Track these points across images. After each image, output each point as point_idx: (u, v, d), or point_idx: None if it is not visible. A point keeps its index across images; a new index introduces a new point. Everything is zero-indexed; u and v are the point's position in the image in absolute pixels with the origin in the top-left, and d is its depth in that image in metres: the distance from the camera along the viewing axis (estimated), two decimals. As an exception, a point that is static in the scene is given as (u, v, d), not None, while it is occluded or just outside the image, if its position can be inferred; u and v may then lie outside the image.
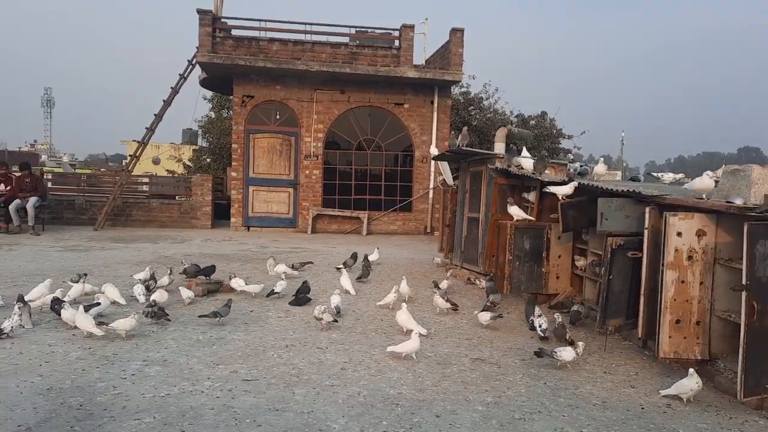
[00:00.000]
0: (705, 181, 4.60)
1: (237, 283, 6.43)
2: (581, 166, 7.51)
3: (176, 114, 15.03)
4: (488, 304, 5.90)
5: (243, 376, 3.99)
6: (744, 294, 3.79)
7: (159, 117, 13.72)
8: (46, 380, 3.76)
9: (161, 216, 14.17)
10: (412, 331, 4.98)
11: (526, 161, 7.10)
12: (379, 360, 4.46)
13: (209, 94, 20.47)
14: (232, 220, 14.05)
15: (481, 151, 8.85)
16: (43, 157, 46.84)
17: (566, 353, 4.41)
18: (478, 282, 7.33)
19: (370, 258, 8.20)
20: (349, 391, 3.80)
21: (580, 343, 4.60)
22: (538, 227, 6.75)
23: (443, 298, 6.07)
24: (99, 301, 5.29)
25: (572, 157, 17.26)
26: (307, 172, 14.21)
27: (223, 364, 4.21)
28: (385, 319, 5.69)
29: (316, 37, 14.16)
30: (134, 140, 17.67)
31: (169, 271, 6.60)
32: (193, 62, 13.56)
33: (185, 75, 13.68)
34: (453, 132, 14.51)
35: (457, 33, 13.97)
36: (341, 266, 7.81)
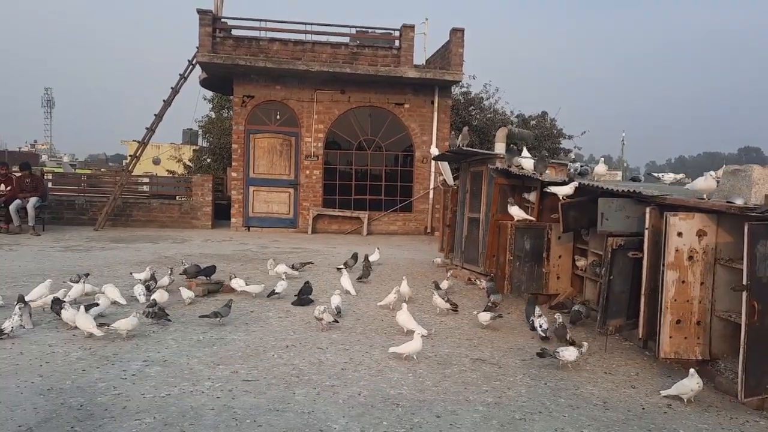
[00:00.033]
0: (707, 182, 4.60)
1: (237, 284, 6.43)
2: (582, 166, 7.51)
3: (176, 114, 15.06)
4: (490, 304, 5.90)
5: (243, 377, 3.99)
6: (744, 294, 3.79)
7: (159, 117, 13.72)
8: (46, 380, 3.76)
9: (161, 216, 14.17)
10: (412, 331, 4.99)
11: (526, 161, 7.10)
12: (380, 360, 4.46)
13: (209, 94, 20.48)
14: (233, 220, 14.05)
15: (481, 151, 8.84)
16: (44, 158, 46.85)
17: (568, 353, 4.41)
18: (478, 282, 7.33)
19: (371, 258, 8.19)
20: (350, 392, 3.80)
21: (585, 344, 4.60)
22: (538, 227, 6.74)
23: (443, 299, 6.07)
24: (97, 301, 5.29)
25: (573, 156, 17.26)
26: (308, 172, 14.21)
27: (224, 365, 4.21)
28: (386, 320, 5.69)
29: (316, 37, 14.16)
30: (134, 140, 17.67)
31: (169, 272, 6.60)
32: (194, 62, 13.56)
33: (185, 75, 13.68)
34: (453, 132, 14.51)
35: (457, 33, 13.97)
36: (342, 266, 7.81)
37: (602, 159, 7.70)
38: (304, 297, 6.20)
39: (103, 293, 5.65)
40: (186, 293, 5.94)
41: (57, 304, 5.05)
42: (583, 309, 5.71)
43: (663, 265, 4.41)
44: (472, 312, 5.88)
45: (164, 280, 6.41)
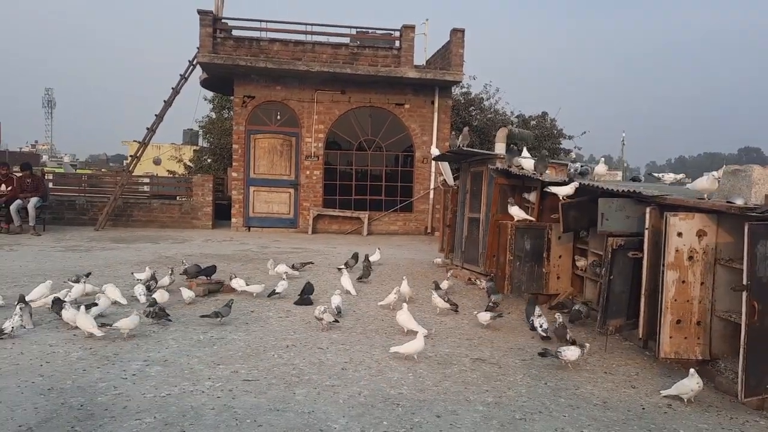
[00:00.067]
0: (708, 182, 4.59)
1: (238, 284, 6.44)
2: (582, 166, 7.51)
3: (177, 114, 15.09)
4: (491, 304, 5.90)
5: (244, 377, 3.99)
6: (745, 294, 3.79)
7: (160, 117, 13.73)
8: (47, 380, 3.76)
9: (162, 216, 14.18)
10: (412, 331, 5.00)
11: (526, 161, 7.10)
12: (380, 360, 4.47)
13: (210, 94, 20.49)
14: (233, 220, 14.05)
15: (481, 151, 8.85)
16: (44, 158, 46.89)
17: (570, 353, 4.41)
18: (478, 282, 7.33)
19: (371, 258, 8.20)
20: (350, 392, 3.80)
21: (586, 344, 4.61)
22: (538, 227, 6.75)
23: (443, 299, 6.08)
24: (96, 301, 5.29)
25: (574, 156, 17.24)
26: (308, 172, 14.21)
27: (224, 364, 4.21)
28: (386, 320, 5.70)
29: (316, 38, 14.17)
30: (135, 141, 17.70)
31: (170, 272, 6.61)
32: (194, 63, 13.57)
33: (186, 75, 13.69)
34: (453, 132, 14.48)
35: (457, 33, 13.98)
36: (343, 267, 7.81)
37: (602, 159, 7.71)
38: (305, 297, 6.20)
39: (104, 293, 5.66)
40: (186, 293, 5.95)
41: (57, 304, 5.05)
42: (584, 309, 5.71)
43: (663, 265, 4.41)
44: (473, 312, 5.88)
45: (165, 280, 6.42)
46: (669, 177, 6.87)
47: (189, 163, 22.16)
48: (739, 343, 3.84)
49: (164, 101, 13.66)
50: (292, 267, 7.70)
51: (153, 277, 6.35)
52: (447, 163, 9.48)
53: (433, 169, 14.28)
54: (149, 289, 6.03)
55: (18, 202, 11.56)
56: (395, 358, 4.49)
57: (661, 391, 4.05)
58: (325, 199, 14.35)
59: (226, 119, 20.73)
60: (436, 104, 14.43)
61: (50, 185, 14.03)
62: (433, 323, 5.60)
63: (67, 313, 4.83)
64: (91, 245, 10.28)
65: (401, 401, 3.69)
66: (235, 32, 14.09)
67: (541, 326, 5.26)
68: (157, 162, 27.23)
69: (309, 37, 14.13)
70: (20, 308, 4.78)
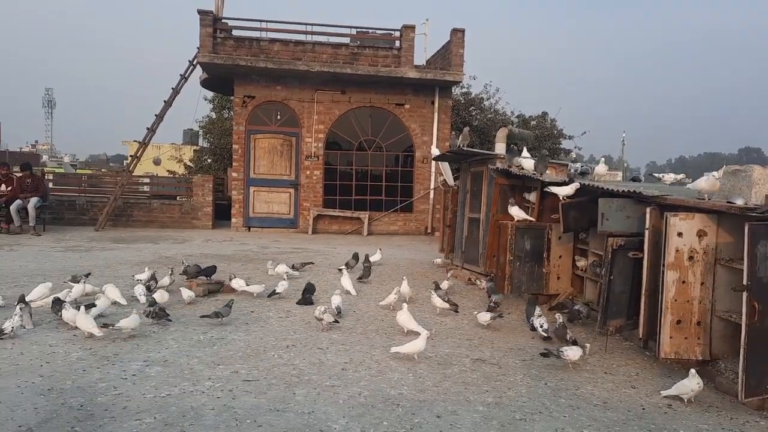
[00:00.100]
0: (709, 182, 4.59)
1: (238, 284, 6.44)
2: (582, 166, 7.51)
3: (177, 114, 15.08)
4: (492, 304, 5.90)
5: (244, 377, 3.99)
6: (745, 294, 3.79)
7: (160, 117, 13.73)
8: (46, 381, 3.76)
9: (162, 216, 14.18)
10: (412, 331, 5.00)
11: (526, 161, 7.10)
12: (380, 360, 4.46)
13: (210, 94, 20.50)
14: (233, 220, 14.05)
15: (481, 151, 8.84)
16: (44, 158, 46.90)
17: (572, 352, 4.42)
18: (478, 282, 7.33)
19: (372, 258, 8.20)
20: (350, 392, 3.80)
21: (587, 345, 4.60)
22: (538, 228, 6.74)
23: (443, 299, 6.08)
24: (94, 302, 5.28)
25: (574, 156, 17.23)
26: (308, 172, 14.21)
27: (224, 365, 4.21)
28: (386, 320, 5.69)
29: (317, 38, 14.18)
30: (135, 141, 17.70)
31: (170, 272, 6.60)
32: (194, 63, 13.57)
33: (186, 75, 13.69)
34: (454, 132, 14.48)
35: (457, 33, 13.98)
36: (343, 267, 7.80)
37: (602, 159, 7.71)
38: (308, 296, 6.21)
39: (104, 293, 5.66)
40: (186, 293, 5.95)
41: (57, 305, 5.05)
42: (584, 309, 5.70)
43: (663, 265, 4.41)
44: (473, 312, 5.88)
45: (165, 281, 6.42)
46: (669, 177, 6.87)
47: (189, 163, 22.16)
48: (739, 344, 3.84)
49: (164, 101, 13.67)
50: (292, 267, 7.70)
51: (153, 278, 6.35)
52: (447, 163, 9.48)
53: (433, 169, 14.28)
54: (149, 290, 6.02)
55: (18, 202, 11.56)
56: (395, 359, 4.49)
57: (661, 392, 4.05)
58: (325, 200, 14.36)
59: (226, 119, 20.73)
60: (437, 104, 14.43)
61: (50, 185, 14.03)
62: (433, 323, 5.60)
63: (67, 314, 4.83)
64: (91, 245, 10.28)
65: (401, 401, 3.68)
66: (235, 32, 14.09)
67: (541, 326, 5.26)
68: (157, 162, 27.25)
69: (309, 37, 14.13)
70: (20, 308, 4.78)
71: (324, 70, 13.43)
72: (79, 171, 32.71)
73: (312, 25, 14.34)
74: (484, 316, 5.54)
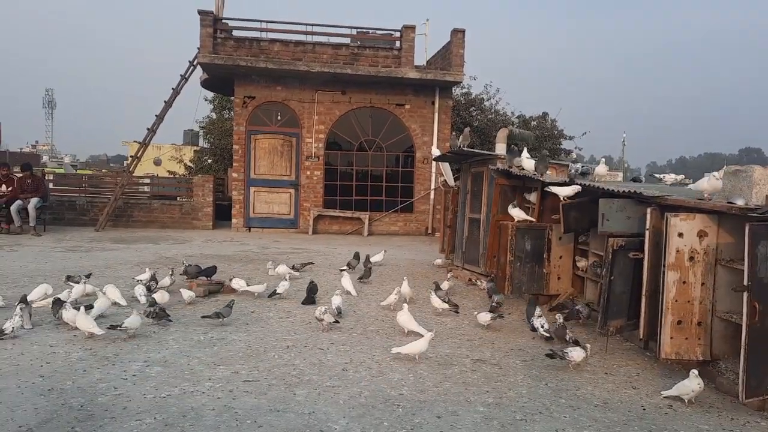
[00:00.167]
0: (712, 182, 4.58)
1: (238, 284, 6.44)
2: (583, 166, 7.50)
3: (177, 115, 15.10)
4: (494, 304, 5.90)
5: (244, 377, 3.99)
6: (745, 295, 3.78)
7: (160, 118, 13.74)
8: (47, 381, 3.76)
9: (162, 217, 14.18)
10: (413, 332, 5.00)
11: (527, 162, 7.10)
12: (381, 361, 4.46)
13: (210, 95, 20.51)
14: (234, 221, 14.05)
15: (482, 151, 8.85)
16: (45, 158, 46.91)
17: (576, 354, 4.42)
18: (479, 283, 7.33)
19: (373, 259, 8.20)
20: (350, 392, 3.80)
21: (588, 345, 4.60)
22: (539, 228, 6.74)
23: (443, 299, 6.07)
24: (92, 303, 5.28)
25: (575, 157, 17.23)
26: (309, 173, 14.22)
27: (224, 365, 4.21)
28: (386, 320, 5.69)
29: (317, 38, 14.18)
30: (135, 141, 17.71)
31: (170, 272, 6.60)
32: (194, 63, 13.58)
33: (186, 76, 13.70)
34: (454, 133, 14.50)
35: (458, 34, 13.98)
36: (345, 268, 7.79)
37: (603, 159, 7.69)
38: (311, 296, 6.22)
39: (104, 294, 5.65)
40: (186, 294, 5.95)
41: (57, 305, 5.05)
42: (585, 309, 5.70)
43: (664, 265, 4.41)
44: (473, 312, 5.88)
45: (165, 281, 6.42)
46: (670, 177, 6.87)
47: (189, 164, 22.17)
48: (740, 344, 3.84)
49: (165, 102, 13.67)
50: (293, 268, 7.70)
51: (153, 278, 6.35)
52: (447, 163, 9.48)
53: (433, 170, 14.28)
54: (149, 290, 6.02)
55: (18, 202, 11.56)
56: (396, 359, 4.48)
57: (661, 392, 4.04)
58: (325, 200, 14.36)
59: (226, 120, 20.73)
60: (437, 105, 14.43)
61: (50, 186, 14.03)
62: (434, 324, 5.60)
63: (68, 314, 4.82)
64: (92, 246, 10.28)
65: (402, 402, 3.68)
66: (235, 32, 14.10)
67: (542, 326, 5.26)
68: (157, 162, 27.26)
69: (309, 38, 14.14)
70: (20, 308, 4.78)
71: (324, 70, 13.43)
72: (79, 171, 32.72)
73: (312, 25, 14.36)
74: (485, 317, 5.54)
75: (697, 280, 4.41)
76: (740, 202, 4.27)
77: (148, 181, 18.22)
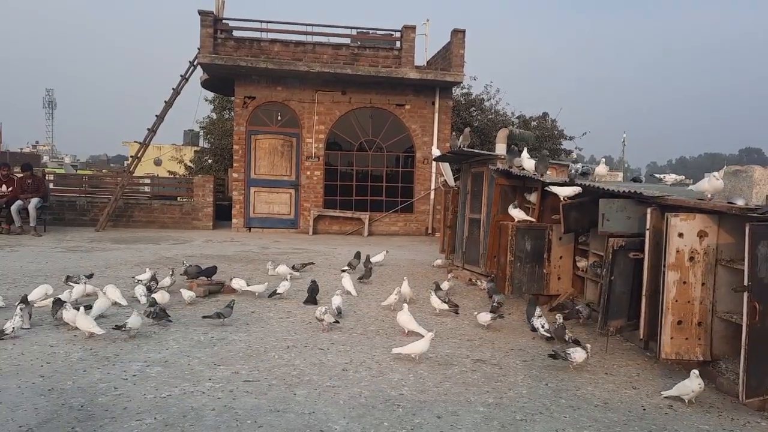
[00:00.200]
0: (713, 183, 4.57)
1: (238, 284, 6.44)
2: (583, 166, 7.50)
3: (178, 115, 15.13)
4: (495, 304, 5.90)
5: (244, 377, 3.99)
6: (746, 295, 3.78)
7: (160, 118, 13.74)
8: (47, 381, 3.76)
9: (163, 217, 14.18)
10: (413, 332, 5.00)
11: (527, 162, 7.10)
12: (381, 361, 4.46)
13: (211, 95, 20.50)
14: (234, 221, 14.06)
15: (482, 152, 8.85)
16: (45, 158, 46.90)
17: (578, 354, 4.42)
18: (479, 283, 7.33)
19: (374, 259, 8.20)
20: (351, 392, 3.80)
21: (588, 345, 4.60)
22: (539, 228, 6.74)
23: (443, 300, 6.07)
24: (91, 303, 5.28)
25: (575, 157, 17.22)
26: (309, 173, 14.22)
27: (225, 365, 4.21)
28: (387, 320, 5.69)
29: (317, 38, 14.19)
30: (136, 141, 17.71)
31: (171, 272, 6.60)
32: (195, 63, 13.58)
33: (186, 76, 13.70)
34: (454, 133, 14.51)
35: (458, 34, 13.98)
36: (346, 268, 7.79)
37: (603, 160, 7.68)
38: (313, 296, 6.23)
39: (104, 294, 5.65)
40: (187, 294, 5.95)
41: (57, 305, 5.05)
42: (586, 309, 5.70)
43: (664, 266, 4.41)
44: (473, 312, 5.88)
45: (166, 281, 6.42)
46: (670, 178, 6.86)
47: (190, 164, 22.18)
48: (740, 344, 3.83)
49: (165, 102, 13.67)
50: (293, 268, 7.70)
51: (154, 278, 6.35)
52: (448, 163, 9.48)
53: (433, 170, 14.28)
54: (150, 290, 6.02)
55: (19, 202, 11.56)
56: (396, 359, 4.48)
57: (662, 392, 4.04)
58: (325, 200, 14.36)
59: (226, 120, 20.74)
60: (437, 105, 14.43)
61: (51, 186, 14.03)
62: (434, 324, 5.59)
63: (68, 314, 4.82)
64: (92, 246, 10.29)
65: (402, 402, 3.68)
66: (235, 33, 14.10)
67: (542, 326, 5.26)
68: (157, 163, 27.24)
69: (310, 38, 14.14)
70: (20, 309, 4.79)
71: (324, 70, 13.43)
72: (79, 171, 32.72)
73: (312, 25, 14.37)
74: (485, 317, 5.54)
75: (698, 280, 4.41)
76: (740, 202, 4.27)
77: (148, 181, 18.22)
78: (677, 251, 4.38)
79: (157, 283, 6.32)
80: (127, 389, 3.68)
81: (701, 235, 4.40)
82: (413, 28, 14.11)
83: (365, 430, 3.27)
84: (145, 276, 6.36)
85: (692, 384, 3.84)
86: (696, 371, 3.90)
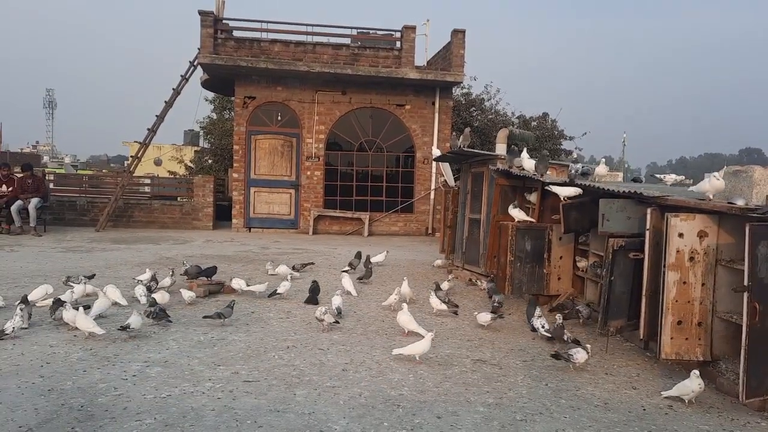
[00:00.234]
0: (713, 183, 4.57)
1: (238, 284, 6.44)
2: (583, 166, 7.49)
3: (178, 115, 15.16)
4: (495, 304, 5.90)
5: (244, 377, 3.99)
6: (746, 295, 3.78)
7: (161, 118, 13.74)
8: (47, 381, 3.76)
9: (163, 217, 14.18)
10: (413, 332, 4.99)
11: (527, 162, 7.10)
12: (381, 361, 4.46)
13: (211, 95, 20.50)
14: (234, 221, 14.06)
15: (482, 152, 8.85)
16: (45, 159, 46.90)
17: (581, 355, 4.42)
18: (479, 283, 7.33)
19: (374, 259, 8.20)
20: (351, 393, 3.80)
21: (588, 345, 4.60)
22: (539, 228, 6.74)
23: (443, 300, 6.07)
24: (89, 303, 5.28)
25: (575, 157, 17.21)
26: (309, 173, 14.22)
27: (224, 365, 4.21)
28: (387, 321, 5.69)
29: (317, 38, 14.19)
30: (136, 141, 17.70)
31: (171, 273, 6.61)
32: (195, 63, 13.58)
33: (187, 76, 13.70)
34: (454, 133, 14.51)
35: (458, 34, 13.98)
36: (347, 268, 7.79)
37: (603, 160, 7.68)
38: (313, 296, 6.23)
39: (105, 294, 5.65)
40: (187, 294, 5.95)
41: (56, 305, 5.05)
42: (586, 310, 5.70)
43: (664, 266, 4.40)
44: (473, 313, 5.88)
45: (166, 281, 6.42)
46: (670, 178, 6.86)
47: (190, 164, 22.18)
48: (740, 344, 3.83)
49: (165, 102, 13.67)
50: (293, 268, 7.70)
51: (154, 278, 6.35)
52: (448, 163, 9.48)
53: (433, 170, 14.28)
54: (150, 290, 6.02)
55: (19, 202, 11.57)
56: (396, 360, 4.48)
57: (662, 393, 4.04)
58: (325, 200, 14.36)
59: (226, 120, 20.74)
60: (437, 105, 14.43)
61: (51, 186, 14.03)
62: (434, 324, 5.59)
63: (68, 314, 4.82)
64: (92, 246, 10.29)
65: (402, 402, 3.68)
66: (235, 33, 14.11)
67: (542, 327, 5.26)
68: (157, 163, 27.25)
69: (310, 38, 14.14)
70: (20, 309, 4.79)
71: (325, 70, 13.43)
72: (79, 171, 32.72)
73: (313, 25, 14.38)
74: (484, 317, 5.54)
75: (698, 280, 4.41)
76: (740, 203, 4.27)
77: (148, 181, 18.21)
78: (677, 251, 4.38)
79: (157, 284, 6.32)
80: (127, 389, 3.68)
81: (701, 235, 4.40)
82: (413, 28, 14.11)
83: (365, 430, 3.27)
84: (145, 276, 6.36)
85: (692, 384, 3.84)
86: (696, 371, 3.90)
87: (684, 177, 7.21)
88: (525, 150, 7.41)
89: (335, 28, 14.54)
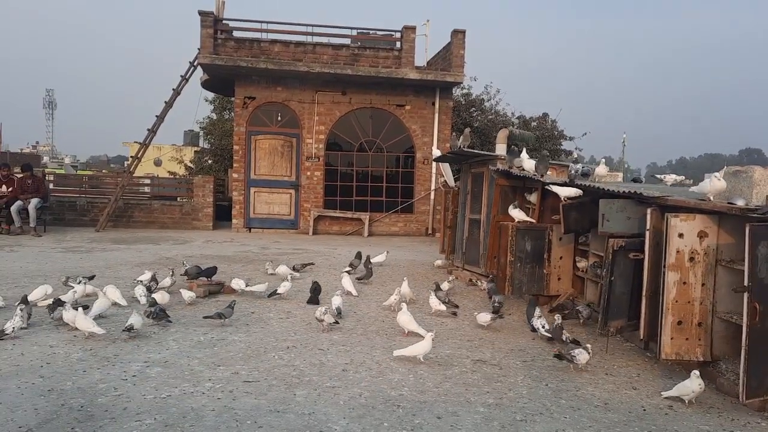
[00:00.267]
0: (714, 183, 4.56)
1: (237, 284, 6.44)
2: (583, 167, 7.49)
3: (178, 116, 15.19)
4: (496, 305, 5.90)
5: (244, 378, 3.98)
6: (746, 295, 3.78)
7: (160, 118, 13.74)
8: (47, 381, 3.76)
9: (163, 217, 14.18)
10: (413, 332, 4.99)
11: (527, 162, 7.10)
12: (381, 361, 4.46)
13: (211, 95, 20.51)
14: (234, 221, 14.05)
15: (482, 152, 8.85)
16: (45, 159, 46.89)
17: (583, 356, 4.42)
18: (479, 283, 7.33)
19: (374, 260, 8.20)
20: (351, 393, 3.80)
21: (588, 346, 4.60)
22: (539, 229, 6.74)
23: (443, 300, 6.07)
24: (88, 303, 5.27)
25: (575, 157, 17.20)
26: (309, 173, 14.22)
27: (224, 366, 4.21)
28: (387, 321, 5.69)
29: (317, 39, 14.19)
30: (136, 142, 17.72)
31: (171, 273, 6.61)
32: (195, 64, 13.58)
33: (187, 76, 13.70)
34: (454, 133, 14.51)
35: (458, 35, 13.98)
36: (348, 269, 7.78)
37: (603, 160, 7.68)
38: (314, 296, 6.23)
39: (104, 294, 5.65)
40: (187, 294, 5.95)
41: (57, 304, 5.05)
42: (586, 310, 5.69)
43: (664, 266, 4.40)
44: (473, 313, 5.88)
45: (166, 281, 6.42)
46: (670, 178, 6.86)
47: (190, 164, 22.18)
48: (740, 345, 3.83)
49: (165, 102, 13.68)
50: (293, 268, 7.70)
51: (154, 279, 6.35)
52: (448, 164, 9.48)
53: (434, 170, 14.28)
54: (150, 290, 6.02)
55: (19, 203, 11.56)
56: (396, 360, 4.48)
57: (662, 393, 4.04)
58: (325, 200, 14.36)
59: (226, 120, 20.74)
60: (437, 105, 14.43)
61: (51, 186, 14.02)
62: (434, 324, 5.59)
63: (68, 314, 4.83)
64: (92, 246, 10.28)
65: (402, 402, 3.68)
66: (235, 33, 14.11)
67: (542, 327, 5.26)
68: (157, 163, 27.26)
69: (310, 38, 14.15)
70: (20, 309, 4.79)
71: (325, 71, 13.43)
72: (79, 172, 32.72)
73: (313, 26, 14.38)
74: (484, 317, 5.54)
75: (698, 280, 4.41)
76: (740, 203, 4.27)
77: (148, 181, 18.22)
78: (677, 252, 4.38)
79: (157, 284, 6.32)
80: (126, 390, 3.68)
81: (701, 235, 4.40)
82: (413, 28, 14.11)
83: (365, 430, 3.27)
84: (145, 276, 6.36)
85: (692, 384, 3.84)
86: (696, 372, 3.90)
87: (684, 177, 7.21)
88: (525, 150, 7.41)
89: (335, 29, 14.54)
